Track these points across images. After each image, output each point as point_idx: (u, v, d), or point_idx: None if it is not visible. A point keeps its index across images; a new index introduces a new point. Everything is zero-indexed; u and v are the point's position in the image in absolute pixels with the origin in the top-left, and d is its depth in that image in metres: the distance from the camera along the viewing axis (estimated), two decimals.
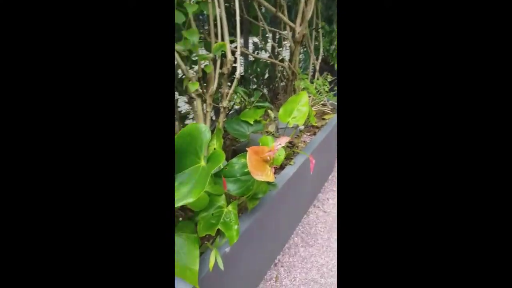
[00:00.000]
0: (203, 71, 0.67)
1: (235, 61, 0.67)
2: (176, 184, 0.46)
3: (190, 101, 0.78)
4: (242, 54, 0.72)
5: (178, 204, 0.44)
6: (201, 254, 0.64)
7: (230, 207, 0.61)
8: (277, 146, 0.54)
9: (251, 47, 1.30)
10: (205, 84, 0.73)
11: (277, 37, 1.33)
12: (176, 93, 0.90)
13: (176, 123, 0.75)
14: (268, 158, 0.55)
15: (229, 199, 0.68)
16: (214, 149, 0.67)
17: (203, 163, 0.50)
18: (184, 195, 0.45)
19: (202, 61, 0.66)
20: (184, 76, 0.77)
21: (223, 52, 0.65)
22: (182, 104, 1.05)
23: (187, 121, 1.02)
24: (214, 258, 0.64)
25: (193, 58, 0.80)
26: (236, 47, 0.70)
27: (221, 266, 0.62)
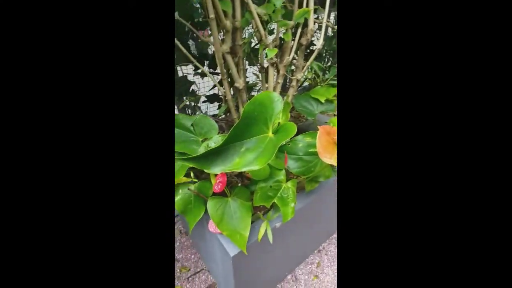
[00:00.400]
0: (280, 40, 0.63)
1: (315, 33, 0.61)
2: (242, 149, 0.46)
3: (261, 71, 0.76)
4: (321, 27, 0.65)
5: (242, 169, 0.44)
6: (251, 222, 0.66)
7: (289, 184, 0.59)
8: None
9: (331, 21, 1.18)
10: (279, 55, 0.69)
11: None
12: (246, 62, 0.89)
13: (243, 92, 0.75)
14: None
15: (287, 175, 0.66)
16: (279, 123, 0.65)
17: (270, 133, 0.48)
18: (249, 161, 0.44)
19: (281, 28, 0.62)
20: (258, 45, 0.74)
21: (305, 20, 0.59)
22: (249, 75, 1.05)
23: (252, 93, 1.02)
24: (264, 229, 0.65)
25: (269, 28, 0.77)
26: (317, 18, 0.64)
27: (271, 240, 0.63)
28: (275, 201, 0.59)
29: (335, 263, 1.08)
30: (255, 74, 0.97)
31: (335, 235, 1.17)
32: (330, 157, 0.49)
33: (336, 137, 0.53)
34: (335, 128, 0.54)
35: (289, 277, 1.05)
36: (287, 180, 0.62)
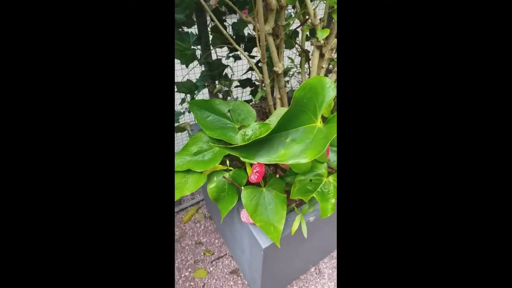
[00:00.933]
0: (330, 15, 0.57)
1: None
2: (287, 140, 0.43)
3: (301, 54, 0.71)
4: None
5: (288, 161, 0.41)
6: None
7: (331, 178, 0.55)
8: None
9: None
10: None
11: None
12: (283, 45, 0.84)
13: (282, 77, 0.70)
14: None
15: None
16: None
17: (319, 123, 0.44)
18: (295, 154, 0.41)
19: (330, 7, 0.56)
20: (301, 27, 0.68)
21: None
22: (284, 59, 0.99)
23: (286, 78, 0.97)
24: (298, 223, 0.62)
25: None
26: None
27: (305, 234, 0.60)
28: (315, 195, 0.56)
29: None
30: (289, 58, 0.91)
31: None
32: None
33: None
34: None
35: (312, 269, 1.04)
36: (328, 174, 0.58)
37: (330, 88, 0.43)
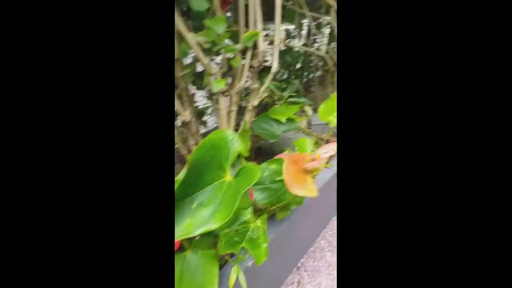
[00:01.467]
0: (228, 63, 0.58)
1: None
2: (193, 206, 0.39)
3: (210, 97, 0.70)
4: (272, 43, 0.62)
5: (195, 232, 0.37)
6: (219, 267, 0.58)
7: (258, 222, 0.53)
8: (324, 155, 0.44)
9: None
10: (230, 79, 0.63)
11: (314, 23, 1.17)
12: (194, 88, 0.82)
13: (193, 119, 0.67)
14: (311, 169, 0.46)
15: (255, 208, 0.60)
16: (239, 156, 0.58)
17: (228, 177, 0.42)
18: (204, 220, 0.37)
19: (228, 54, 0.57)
20: (204, 71, 0.68)
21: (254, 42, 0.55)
22: (199, 99, 0.97)
23: (204, 118, 0.94)
24: (235, 275, 0.58)
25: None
26: (267, 35, 0.60)
27: (244, 286, 0.56)
28: (244, 245, 0.52)
29: (316, 277, 1.05)
30: (206, 97, 0.90)
31: (311, 248, 1.14)
32: (301, 188, 0.44)
33: (307, 164, 0.48)
34: (302, 155, 0.50)
35: None
36: (255, 212, 0.56)
37: (233, 140, 0.42)
